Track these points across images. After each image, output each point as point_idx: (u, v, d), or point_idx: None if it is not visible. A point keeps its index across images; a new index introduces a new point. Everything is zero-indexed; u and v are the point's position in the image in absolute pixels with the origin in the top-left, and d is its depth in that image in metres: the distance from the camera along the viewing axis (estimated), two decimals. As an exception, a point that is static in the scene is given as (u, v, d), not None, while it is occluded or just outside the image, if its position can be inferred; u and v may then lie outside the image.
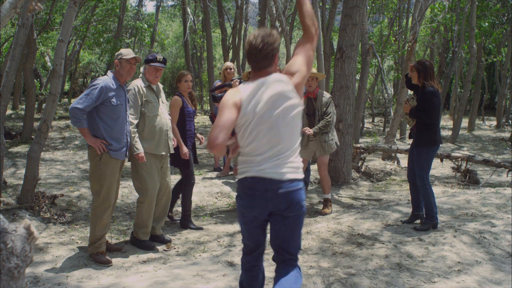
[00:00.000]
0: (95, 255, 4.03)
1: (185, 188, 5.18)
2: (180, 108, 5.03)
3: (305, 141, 5.91)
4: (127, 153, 4.16)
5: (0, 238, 1.89)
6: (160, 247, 4.46)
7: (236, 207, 2.77)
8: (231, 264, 3.94)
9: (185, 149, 4.94)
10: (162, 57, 4.49)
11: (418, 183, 4.68)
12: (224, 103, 2.56)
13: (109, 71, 4.12)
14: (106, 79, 3.99)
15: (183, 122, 5.07)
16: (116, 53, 4.14)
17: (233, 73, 7.08)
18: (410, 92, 5.02)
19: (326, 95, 5.84)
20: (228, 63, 7.22)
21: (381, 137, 12.09)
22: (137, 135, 4.26)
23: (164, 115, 4.52)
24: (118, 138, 4.02)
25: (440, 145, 4.82)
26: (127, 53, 4.10)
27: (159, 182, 4.49)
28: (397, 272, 3.62)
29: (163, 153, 4.50)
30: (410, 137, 4.97)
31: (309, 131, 5.52)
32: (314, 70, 5.75)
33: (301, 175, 2.62)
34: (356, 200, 6.50)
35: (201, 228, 5.14)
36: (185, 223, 5.16)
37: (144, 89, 4.37)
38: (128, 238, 4.67)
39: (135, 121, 4.27)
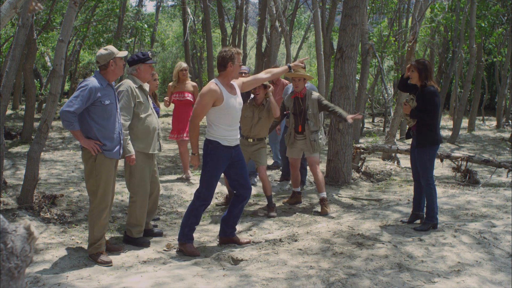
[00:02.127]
0: (95, 256, 4.03)
1: None
2: None
3: (292, 139, 5.87)
4: (121, 151, 4.17)
5: (0, 238, 1.89)
6: (160, 247, 4.46)
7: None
8: (231, 264, 3.94)
9: None
10: (151, 53, 4.54)
11: (423, 183, 4.68)
12: None
13: (96, 71, 4.09)
14: (94, 80, 3.96)
15: None
16: (104, 54, 4.02)
17: (188, 74, 6.63)
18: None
19: (315, 94, 5.83)
20: (184, 64, 6.55)
21: (381, 137, 12.09)
22: (129, 137, 4.28)
23: (155, 115, 4.58)
24: (111, 137, 4.01)
25: (440, 145, 4.82)
26: (117, 51, 4.09)
27: (150, 180, 4.55)
28: (397, 272, 3.62)
29: (155, 152, 4.57)
30: (407, 137, 4.95)
31: (350, 119, 5.52)
32: (302, 71, 5.72)
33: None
34: (356, 200, 6.50)
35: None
36: None
37: (136, 90, 4.39)
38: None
39: (127, 123, 4.27)
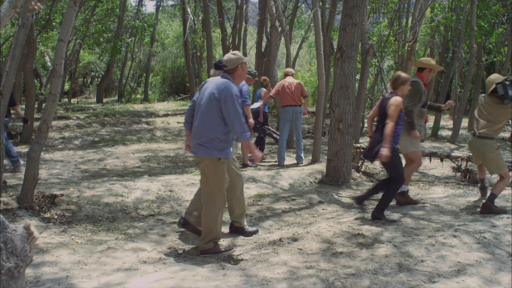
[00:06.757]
0: (215, 248, 4.19)
1: (390, 185, 5.19)
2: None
3: (423, 132, 6.12)
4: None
5: (0, 238, 1.89)
6: (161, 247, 4.45)
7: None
8: (231, 264, 3.94)
9: (385, 151, 4.87)
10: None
11: None
12: None
13: (223, 74, 4.16)
14: (230, 82, 4.08)
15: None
16: (234, 58, 4.14)
17: None
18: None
19: None
20: None
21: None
22: None
23: None
24: (232, 138, 4.19)
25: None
26: (243, 56, 4.23)
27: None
28: (397, 272, 3.62)
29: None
30: None
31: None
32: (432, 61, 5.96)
33: None
34: (356, 200, 6.49)
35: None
36: (376, 215, 5.10)
37: None
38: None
39: None
